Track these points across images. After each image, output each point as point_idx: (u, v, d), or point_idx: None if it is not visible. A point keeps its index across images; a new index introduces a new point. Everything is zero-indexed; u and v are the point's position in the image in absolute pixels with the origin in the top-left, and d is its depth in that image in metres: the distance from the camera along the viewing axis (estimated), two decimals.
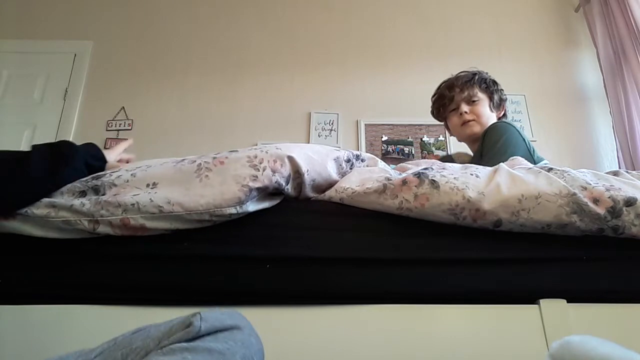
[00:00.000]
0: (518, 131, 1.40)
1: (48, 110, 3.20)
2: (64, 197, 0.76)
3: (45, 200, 0.74)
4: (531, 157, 1.32)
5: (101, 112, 3.21)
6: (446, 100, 1.59)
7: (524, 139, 1.38)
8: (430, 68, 3.13)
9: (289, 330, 0.75)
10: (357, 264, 0.78)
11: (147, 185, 0.77)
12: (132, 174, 0.78)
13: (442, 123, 1.71)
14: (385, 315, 0.76)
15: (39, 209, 0.73)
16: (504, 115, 1.61)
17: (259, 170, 0.79)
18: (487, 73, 1.60)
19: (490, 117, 1.54)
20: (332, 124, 3.16)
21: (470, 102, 1.54)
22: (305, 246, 0.79)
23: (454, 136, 1.67)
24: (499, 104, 1.58)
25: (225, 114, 3.19)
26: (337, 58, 3.34)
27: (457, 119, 1.56)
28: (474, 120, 1.53)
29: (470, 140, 1.58)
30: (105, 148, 3.20)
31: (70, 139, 3.05)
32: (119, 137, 3.15)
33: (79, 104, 3.24)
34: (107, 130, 3.17)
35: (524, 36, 3.33)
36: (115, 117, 3.21)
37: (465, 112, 1.53)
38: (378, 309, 0.77)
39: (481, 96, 1.55)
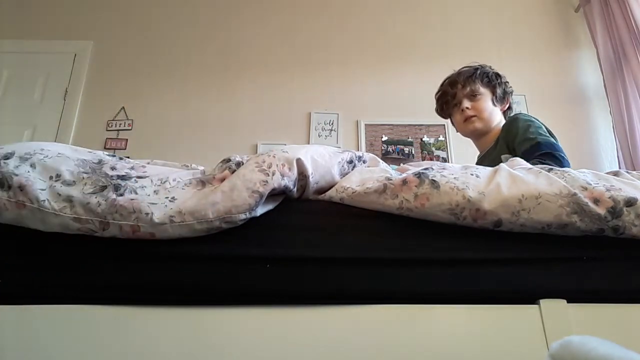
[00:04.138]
0: (537, 120, 1.43)
1: (48, 111, 3.20)
2: (85, 188, 0.74)
3: (64, 193, 0.73)
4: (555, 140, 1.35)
5: (101, 112, 3.21)
6: (449, 97, 1.59)
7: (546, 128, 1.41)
8: (430, 68, 3.13)
9: (289, 330, 0.75)
10: (357, 264, 0.78)
11: (167, 198, 0.76)
12: (154, 191, 0.78)
13: (448, 120, 1.71)
14: (385, 315, 0.76)
15: (57, 202, 0.72)
16: (509, 108, 1.61)
17: (268, 175, 0.78)
18: (490, 67, 1.60)
19: (493, 111, 1.55)
20: (332, 124, 3.16)
21: (472, 97, 1.54)
22: (305, 246, 0.79)
23: (459, 132, 1.67)
24: (502, 97, 1.57)
25: (225, 114, 3.19)
26: (337, 58, 3.34)
27: (460, 116, 1.56)
28: (475, 116, 1.53)
29: (474, 136, 1.59)
30: (105, 148, 3.18)
31: (70, 139, 3.07)
32: (119, 137, 3.15)
33: (79, 104, 3.24)
34: (107, 130, 3.17)
35: (524, 36, 3.33)
36: (115, 117, 3.21)
37: (467, 108, 1.53)
38: (378, 309, 0.77)
39: (483, 91, 1.55)
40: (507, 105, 1.60)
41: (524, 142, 1.34)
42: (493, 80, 1.56)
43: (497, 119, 1.56)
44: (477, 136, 1.58)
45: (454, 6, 3.46)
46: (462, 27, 3.38)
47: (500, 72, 1.60)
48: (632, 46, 2.70)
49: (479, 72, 1.56)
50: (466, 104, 1.54)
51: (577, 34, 3.33)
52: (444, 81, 1.63)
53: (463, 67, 1.59)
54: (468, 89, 1.54)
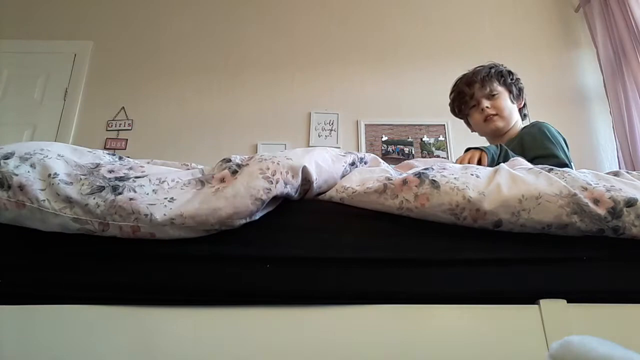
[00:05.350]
0: (556, 131, 1.43)
1: (48, 110, 3.20)
2: (82, 189, 0.74)
3: (63, 193, 0.73)
4: (567, 156, 1.35)
5: (101, 112, 3.21)
6: (467, 97, 1.58)
7: (563, 138, 1.42)
8: (431, 68, 3.13)
9: (289, 330, 0.75)
10: (357, 264, 0.78)
11: (165, 199, 0.76)
12: (153, 190, 0.78)
13: (462, 120, 1.72)
14: (385, 315, 0.76)
15: (56, 202, 0.72)
16: (524, 105, 1.62)
17: (272, 183, 0.78)
18: (502, 65, 1.60)
19: (512, 109, 1.56)
20: (332, 124, 3.16)
21: (490, 96, 1.54)
22: (305, 246, 0.79)
23: (475, 132, 1.67)
24: (518, 95, 1.59)
25: (225, 114, 3.19)
26: (337, 58, 3.34)
27: (479, 115, 1.56)
28: (496, 114, 1.53)
29: (493, 135, 1.59)
30: (105, 148, 3.22)
31: (70, 139, 3.07)
32: (119, 137, 3.15)
33: (79, 104, 3.24)
34: (107, 130, 3.17)
35: (524, 36, 3.33)
36: (115, 117, 3.21)
37: (487, 107, 1.53)
38: (378, 309, 0.77)
39: (500, 89, 1.55)
40: (523, 103, 1.61)
41: (536, 150, 1.35)
42: (508, 79, 1.57)
43: (516, 117, 1.57)
44: (496, 136, 1.58)
45: (454, 6, 3.46)
46: (462, 27, 3.38)
47: (511, 70, 1.61)
48: (632, 46, 2.70)
49: (494, 70, 1.56)
50: (486, 103, 1.54)
51: (577, 34, 3.33)
52: (458, 81, 1.62)
53: (477, 67, 1.59)
54: (487, 88, 1.54)
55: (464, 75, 1.61)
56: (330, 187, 0.91)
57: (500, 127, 1.54)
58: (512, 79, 1.58)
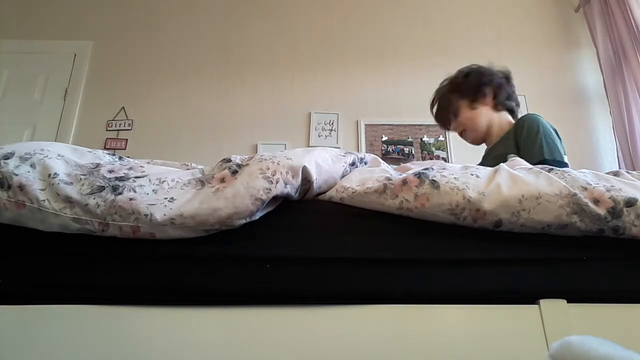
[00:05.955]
0: (548, 124, 1.41)
1: (48, 110, 3.20)
2: (82, 189, 0.74)
3: (63, 193, 0.73)
4: (562, 152, 1.36)
5: (101, 112, 3.21)
6: (439, 123, 1.67)
7: (554, 130, 1.41)
8: (431, 68, 3.12)
9: (289, 330, 0.75)
10: (357, 264, 0.78)
11: (165, 199, 0.76)
12: (153, 190, 0.78)
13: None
14: (385, 315, 0.76)
15: (56, 202, 0.72)
16: (497, 96, 1.52)
17: (272, 183, 0.78)
18: (460, 70, 1.57)
19: (475, 116, 1.54)
20: (332, 124, 3.16)
21: (454, 116, 1.57)
22: (306, 246, 0.79)
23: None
24: (476, 96, 1.51)
25: (225, 114, 3.19)
26: (337, 58, 3.34)
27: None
28: (464, 130, 1.58)
29: (477, 144, 1.63)
30: (105, 148, 3.23)
31: (70, 139, 3.07)
32: (119, 137, 3.15)
33: (79, 104, 3.24)
34: (107, 130, 3.17)
35: (524, 36, 3.33)
36: (115, 117, 3.21)
37: (454, 128, 1.61)
38: (378, 309, 0.77)
39: (458, 104, 1.54)
40: (493, 94, 1.52)
41: (530, 147, 1.33)
42: (462, 86, 1.54)
43: (485, 118, 1.53)
44: (479, 143, 1.61)
45: (454, 6, 3.46)
46: (462, 27, 3.38)
47: (473, 66, 1.56)
48: (632, 46, 2.70)
49: (447, 87, 1.58)
50: (451, 125, 1.60)
51: (577, 34, 3.33)
52: (430, 105, 1.66)
53: (438, 86, 1.62)
54: (448, 110, 1.58)
55: (433, 96, 1.64)
56: (330, 187, 0.91)
57: (473, 138, 1.59)
58: (466, 84, 1.52)
